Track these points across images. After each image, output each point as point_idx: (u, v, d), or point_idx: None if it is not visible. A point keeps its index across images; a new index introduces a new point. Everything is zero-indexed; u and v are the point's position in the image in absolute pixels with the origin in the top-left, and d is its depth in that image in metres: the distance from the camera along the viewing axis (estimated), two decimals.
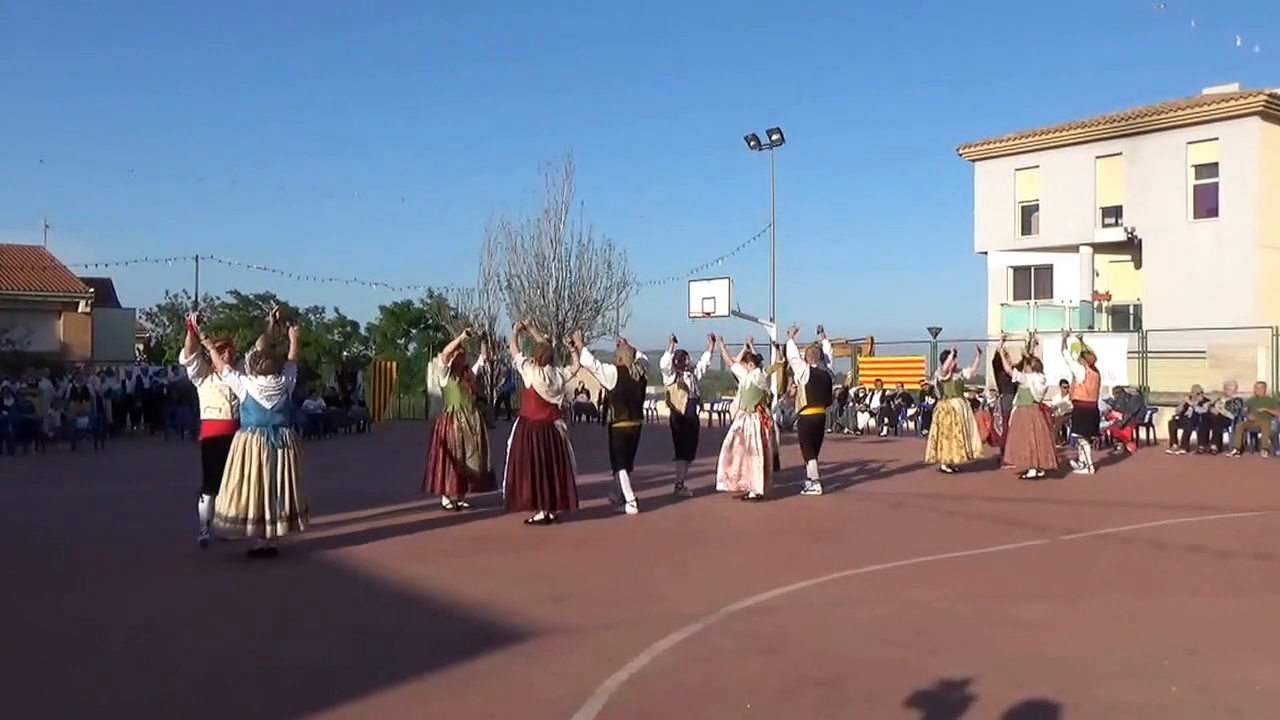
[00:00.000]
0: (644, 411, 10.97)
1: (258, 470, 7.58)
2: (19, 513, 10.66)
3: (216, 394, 8.27)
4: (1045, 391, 13.58)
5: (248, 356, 8.03)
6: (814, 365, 11.76)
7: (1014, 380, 13.73)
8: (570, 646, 5.38)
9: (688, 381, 11.72)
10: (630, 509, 10.10)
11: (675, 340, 11.77)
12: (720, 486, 10.97)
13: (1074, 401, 14.55)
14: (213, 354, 7.99)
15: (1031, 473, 12.96)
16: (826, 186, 77.26)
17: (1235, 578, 7.24)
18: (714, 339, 11.86)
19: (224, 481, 7.64)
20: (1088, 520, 9.73)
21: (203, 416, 8.44)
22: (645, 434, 10.74)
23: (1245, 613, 6.19)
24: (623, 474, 10.24)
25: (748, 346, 11.80)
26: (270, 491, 7.60)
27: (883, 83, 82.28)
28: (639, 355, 10.84)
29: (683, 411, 11.68)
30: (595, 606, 6.34)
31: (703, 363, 12.05)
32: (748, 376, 11.16)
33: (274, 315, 8.81)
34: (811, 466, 11.62)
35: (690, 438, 11.66)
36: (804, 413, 11.96)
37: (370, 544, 8.36)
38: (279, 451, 7.72)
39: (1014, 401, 13.66)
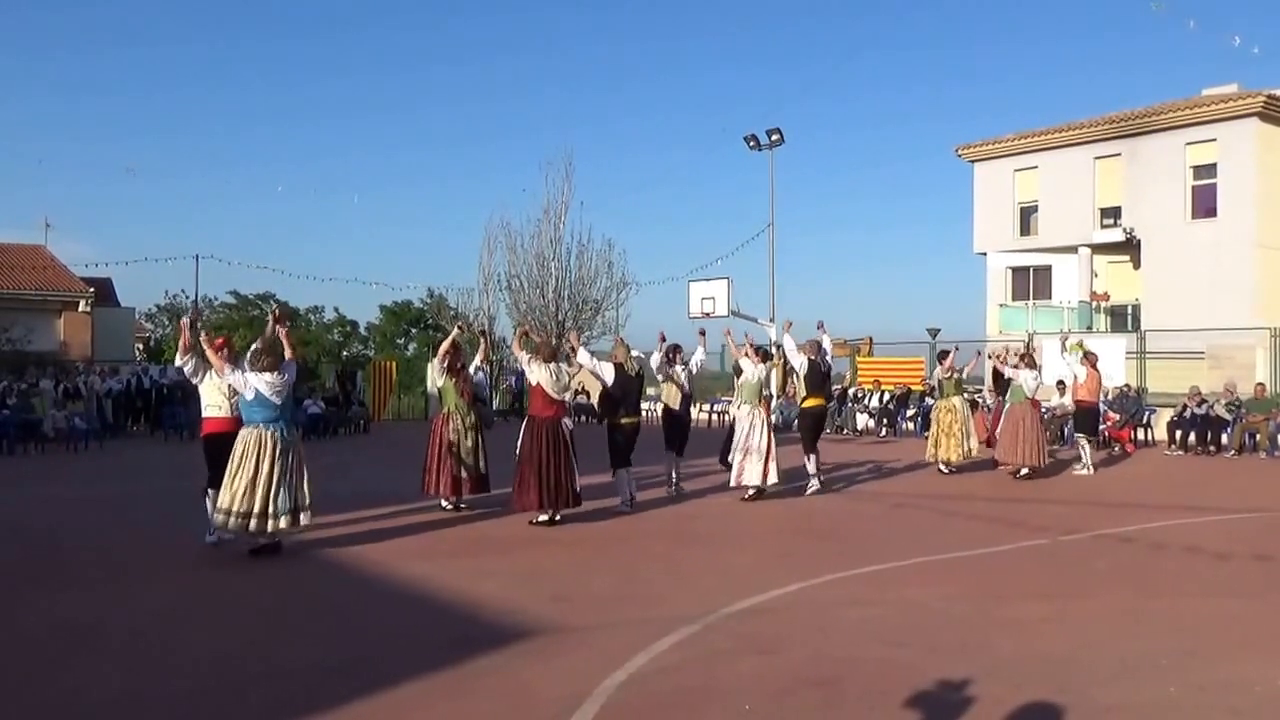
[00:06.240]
0: (642, 409, 10.98)
1: (261, 465, 7.61)
2: (19, 513, 10.66)
3: (216, 392, 8.30)
4: (1038, 388, 13.60)
5: (249, 355, 8.05)
6: (812, 357, 11.78)
7: (1006, 376, 13.76)
8: (569, 646, 5.38)
9: (681, 375, 11.74)
10: (628, 507, 10.15)
11: (664, 338, 11.82)
12: (734, 483, 11.01)
13: (1076, 402, 14.55)
14: (211, 356, 8.00)
15: (1024, 470, 12.97)
16: (826, 186, 77.33)
17: (1234, 578, 7.25)
18: (703, 334, 11.95)
19: (228, 478, 7.67)
20: (1087, 520, 9.73)
21: (204, 414, 8.49)
22: (641, 431, 10.75)
23: (1245, 613, 6.20)
24: (624, 472, 10.27)
25: (756, 346, 11.82)
26: (276, 487, 7.63)
27: (882, 83, 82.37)
28: (634, 352, 10.90)
29: (676, 407, 11.72)
30: (594, 607, 6.35)
31: (696, 358, 12.08)
32: (754, 370, 11.18)
33: (273, 314, 8.84)
34: (811, 462, 11.63)
35: (681, 433, 11.68)
36: (804, 405, 11.99)
37: (370, 544, 8.37)
38: (288, 447, 7.76)
39: (1007, 399, 13.68)
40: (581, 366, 10.50)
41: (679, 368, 11.74)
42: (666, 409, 11.83)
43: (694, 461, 12.99)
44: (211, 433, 8.33)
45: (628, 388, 10.55)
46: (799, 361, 11.85)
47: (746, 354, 11.40)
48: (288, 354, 8.20)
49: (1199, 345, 22.55)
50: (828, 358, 12.28)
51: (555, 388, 9.39)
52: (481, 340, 12.34)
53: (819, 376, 11.90)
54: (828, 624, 5.92)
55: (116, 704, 4.58)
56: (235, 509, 7.58)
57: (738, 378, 11.69)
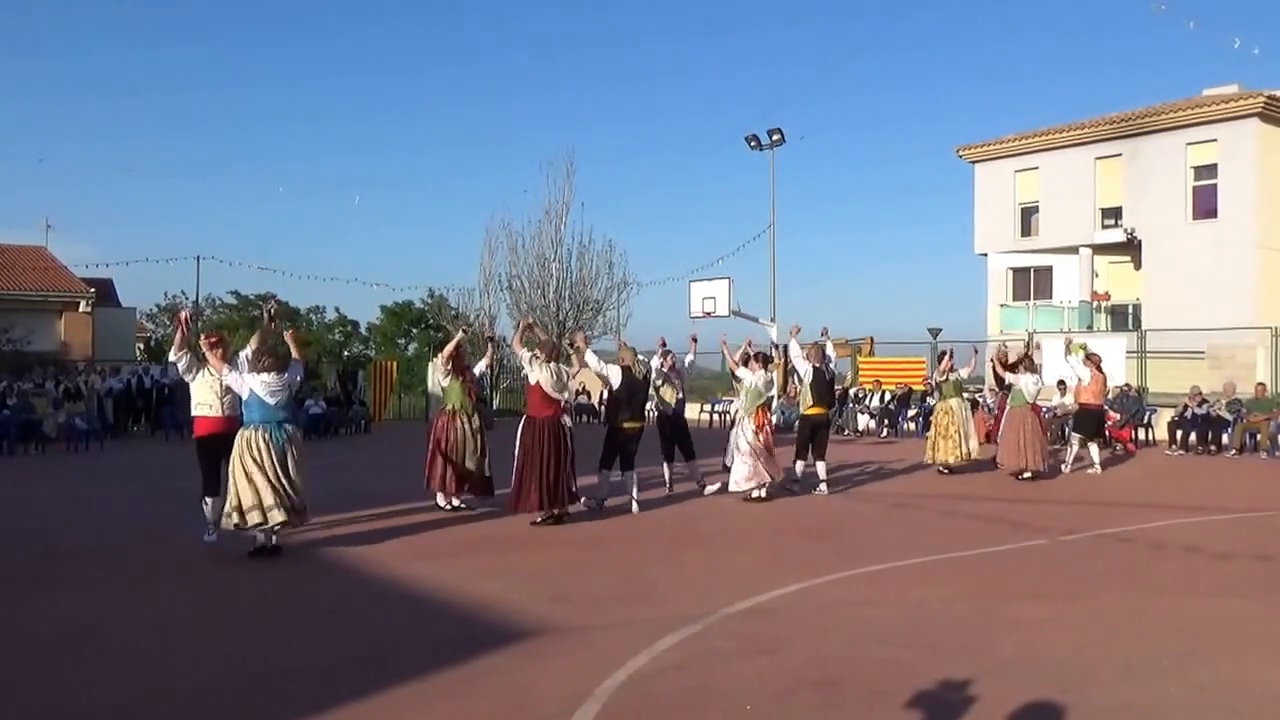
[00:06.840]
0: (646, 412, 10.99)
1: (259, 465, 7.60)
2: (19, 513, 10.65)
3: (207, 390, 8.28)
4: (1038, 392, 13.59)
5: (244, 355, 8.05)
6: (817, 364, 11.78)
7: (1007, 381, 13.75)
8: (570, 646, 5.38)
9: (675, 382, 11.75)
10: (623, 506, 10.16)
11: (664, 343, 11.78)
12: (734, 486, 11.00)
13: (1081, 404, 14.53)
14: (210, 356, 7.99)
15: (1028, 474, 12.97)
16: (826, 186, 77.28)
17: (1235, 578, 7.25)
18: (695, 340, 11.92)
19: (229, 478, 7.68)
20: (1088, 521, 9.73)
21: (194, 413, 8.44)
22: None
23: (1245, 613, 6.19)
24: (606, 473, 10.27)
25: (752, 348, 11.80)
26: (274, 486, 7.61)
27: (883, 83, 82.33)
28: (639, 355, 10.90)
29: (670, 412, 11.71)
30: (595, 607, 6.34)
31: (686, 361, 12.03)
32: (753, 378, 11.15)
33: (269, 313, 8.84)
34: (820, 467, 11.61)
35: (681, 439, 11.67)
36: (807, 413, 11.96)
37: (370, 544, 8.37)
38: (284, 447, 7.75)
39: (1007, 402, 13.66)
40: (584, 366, 10.48)
41: (674, 375, 11.79)
42: (663, 413, 11.83)
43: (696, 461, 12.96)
44: (203, 434, 8.31)
45: (634, 389, 10.52)
46: (805, 369, 11.84)
47: (744, 363, 11.36)
48: (295, 354, 8.23)
49: (1199, 345, 22.54)
50: (831, 365, 12.29)
51: (555, 387, 9.38)
52: (489, 346, 12.35)
53: (824, 384, 11.88)
54: (828, 624, 5.92)
55: (116, 704, 4.58)
56: (235, 507, 7.57)
57: (737, 383, 11.69)
